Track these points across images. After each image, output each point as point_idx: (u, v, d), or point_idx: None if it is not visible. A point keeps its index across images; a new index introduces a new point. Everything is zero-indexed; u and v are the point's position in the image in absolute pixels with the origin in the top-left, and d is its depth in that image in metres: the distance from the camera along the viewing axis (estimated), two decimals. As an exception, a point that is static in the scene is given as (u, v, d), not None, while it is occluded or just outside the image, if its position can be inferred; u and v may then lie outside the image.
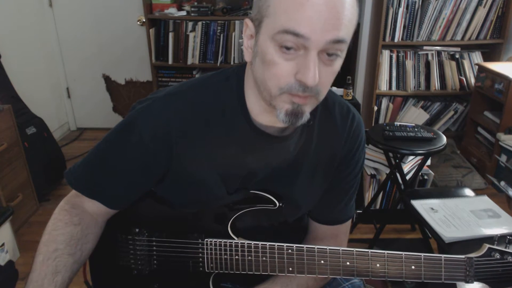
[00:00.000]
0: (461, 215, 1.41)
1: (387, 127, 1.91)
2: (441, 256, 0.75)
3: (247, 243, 0.79)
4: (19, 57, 2.74)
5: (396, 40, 2.83)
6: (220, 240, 0.80)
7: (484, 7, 2.76)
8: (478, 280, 0.75)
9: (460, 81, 2.95)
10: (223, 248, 0.80)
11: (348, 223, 0.93)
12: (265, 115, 0.75)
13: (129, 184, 0.80)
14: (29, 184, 2.21)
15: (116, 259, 0.86)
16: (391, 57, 2.93)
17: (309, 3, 0.59)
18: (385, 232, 2.03)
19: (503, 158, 2.45)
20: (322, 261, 0.77)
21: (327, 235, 0.91)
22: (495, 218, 1.40)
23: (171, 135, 0.75)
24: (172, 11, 2.94)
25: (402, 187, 1.95)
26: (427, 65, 2.95)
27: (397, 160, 1.91)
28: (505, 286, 0.75)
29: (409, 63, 2.92)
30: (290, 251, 0.77)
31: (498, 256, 0.75)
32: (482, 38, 2.86)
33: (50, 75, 3.20)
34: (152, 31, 2.98)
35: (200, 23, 2.95)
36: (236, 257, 0.80)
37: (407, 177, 1.98)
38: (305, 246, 0.77)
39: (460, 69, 2.95)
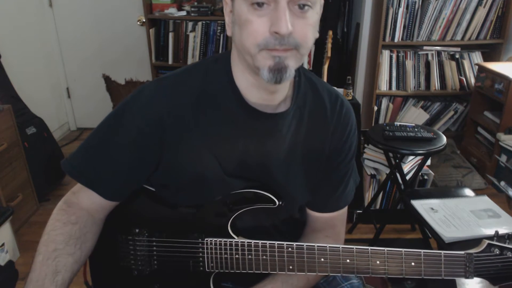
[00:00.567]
0: (461, 215, 1.41)
1: (387, 127, 1.91)
2: (440, 253, 0.75)
3: (247, 242, 0.79)
4: (19, 57, 2.74)
5: (396, 40, 2.83)
6: (220, 240, 0.80)
7: (484, 7, 2.76)
8: (478, 275, 0.76)
9: (460, 81, 2.95)
10: (223, 247, 0.80)
11: (345, 210, 0.93)
12: (254, 90, 0.76)
13: (125, 171, 0.79)
14: (29, 184, 2.21)
15: (116, 260, 0.86)
16: (391, 57, 2.93)
17: None
18: (385, 232, 2.03)
19: (503, 158, 2.45)
20: (322, 259, 0.77)
21: (325, 225, 0.91)
22: (495, 218, 1.40)
23: (163, 118, 0.76)
24: (172, 11, 2.94)
25: (402, 187, 1.95)
26: (427, 65, 2.95)
27: (397, 160, 1.91)
28: (504, 281, 0.76)
29: (409, 63, 2.92)
30: (290, 249, 0.77)
31: (497, 252, 0.75)
32: (482, 38, 2.86)
33: (50, 75, 3.20)
34: (152, 31, 2.98)
35: (200, 23, 2.95)
36: (236, 256, 0.80)
37: (407, 177, 1.98)
38: (305, 244, 0.77)
39: (460, 69, 2.95)
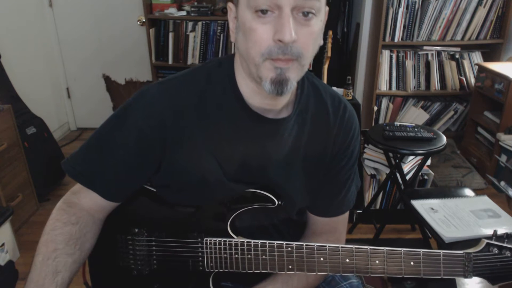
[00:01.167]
0: (461, 215, 1.41)
1: (387, 127, 1.91)
2: (439, 252, 0.75)
3: (247, 242, 0.79)
4: (19, 57, 2.74)
5: (396, 40, 2.83)
6: (220, 239, 0.80)
7: (484, 7, 2.76)
8: (477, 275, 0.76)
9: (460, 81, 2.95)
10: (222, 247, 0.80)
11: (346, 214, 0.93)
12: (256, 97, 0.77)
13: (126, 173, 0.80)
14: (29, 184, 2.21)
15: (116, 260, 0.86)
16: (391, 57, 2.93)
17: None
18: (385, 232, 2.03)
19: (503, 158, 2.45)
20: (322, 258, 0.77)
21: (326, 229, 0.91)
22: (495, 218, 1.40)
23: (165, 120, 0.76)
24: (172, 11, 2.94)
25: (402, 187, 1.95)
26: (427, 65, 2.95)
27: (397, 160, 1.91)
28: (503, 280, 0.76)
29: (409, 63, 2.92)
30: (289, 249, 0.77)
31: (496, 251, 0.75)
32: (482, 38, 2.86)
33: (50, 75, 3.20)
34: (152, 31, 2.98)
35: (200, 23, 2.95)
36: (236, 256, 0.80)
37: (407, 177, 1.98)
38: (304, 244, 0.77)
39: (460, 69, 2.95)
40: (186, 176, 0.80)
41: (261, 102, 0.77)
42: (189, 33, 2.97)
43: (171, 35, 2.98)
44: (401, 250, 0.75)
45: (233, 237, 0.80)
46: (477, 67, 2.79)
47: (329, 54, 2.09)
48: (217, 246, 0.80)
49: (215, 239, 0.80)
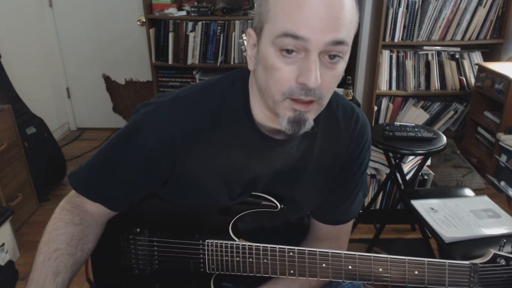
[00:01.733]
0: (461, 215, 1.42)
1: (387, 127, 1.91)
2: (445, 262, 0.73)
3: (248, 245, 0.78)
4: (19, 57, 2.74)
5: (396, 40, 2.83)
6: (221, 242, 0.80)
7: (484, 7, 2.76)
8: (483, 286, 0.74)
9: (460, 81, 2.95)
10: (224, 249, 0.80)
11: (351, 223, 0.93)
12: (269, 122, 0.75)
13: (133, 188, 0.80)
14: (29, 184, 2.21)
15: (118, 259, 0.87)
16: (391, 57, 2.93)
17: (306, 4, 0.59)
18: (385, 232, 2.03)
19: (503, 158, 2.45)
20: (324, 264, 0.76)
21: (329, 235, 0.91)
22: (495, 218, 1.40)
23: (176, 139, 0.75)
24: (172, 11, 2.94)
25: (402, 187, 1.95)
26: (427, 65, 2.95)
27: (397, 160, 1.91)
28: None
29: (409, 63, 2.92)
30: (291, 253, 0.77)
31: (503, 263, 0.73)
32: (482, 38, 2.86)
33: (50, 75, 3.20)
34: (152, 31, 2.98)
35: (200, 23, 2.95)
36: (237, 258, 0.80)
37: (407, 177, 1.98)
38: (306, 249, 0.77)
39: (460, 69, 2.95)
40: (191, 196, 0.80)
41: (274, 127, 0.76)
42: (189, 33, 2.97)
43: (171, 35, 2.98)
44: (405, 259, 0.74)
45: (234, 240, 0.80)
46: (477, 67, 2.79)
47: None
48: (218, 249, 0.80)
49: (216, 241, 0.80)
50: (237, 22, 2.93)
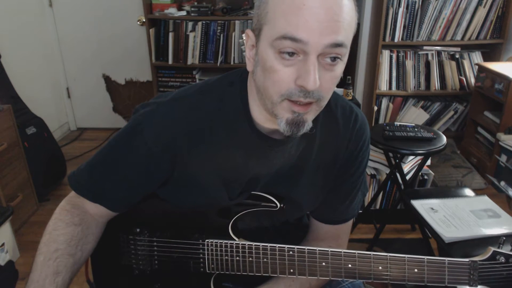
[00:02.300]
0: (461, 215, 1.42)
1: (387, 127, 1.91)
2: (444, 260, 0.73)
3: (248, 245, 0.78)
4: (19, 57, 2.74)
5: (396, 40, 2.83)
6: (221, 241, 0.80)
7: (484, 7, 2.76)
8: (482, 283, 0.74)
9: (460, 81, 2.95)
10: (223, 249, 0.80)
11: (350, 222, 0.93)
12: (268, 122, 0.76)
13: (132, 189, 0.80)
14: (29, 184, 2.21)
15: (118, 259, 0.87)
16: (391, 57, 2.93)
17: (305, 7, 0.59)
18: (385, 232, 2.03)
19: (503, 158, 2.45)
20: (324, 263, 0.76)
21: (329, 235, 0.91)
22: (495, 218, 1.40)
23: (175, 140, 0.75)
24: (172, 11, 2.94)
25: (402, 187, 1.95)
26: (427, 65, 2.95)
27: (397, 160, 1.91)
28: None
29: (409, 63, 2.92)
30: (291, 253, 0.77)
31: (503, 260, 0.74)
32: (482, 38, 2.86)
33: (50, 75, 3.20)
34: (152, 31, 2.98)
35: (200, 23, 2.95)
36: (237, 258, 0.80)
37: (407, 177, 1.98)
38: (306, 248, 0.77)
39: (460, 69, 2.95)
40: (191, 196, 0.80)
41: (272, 127, 0.76)
42: (189, 33, 2.97)
43: (171, 35, 2.98)
44: (404, 257, 0.74)
45: (234, 239, 0.80)
46: (477, 67, 2.79)
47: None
48: (218, 248, 0.80)
49: (216, 241, 0.80)
50: (237, 22, 2.93)
